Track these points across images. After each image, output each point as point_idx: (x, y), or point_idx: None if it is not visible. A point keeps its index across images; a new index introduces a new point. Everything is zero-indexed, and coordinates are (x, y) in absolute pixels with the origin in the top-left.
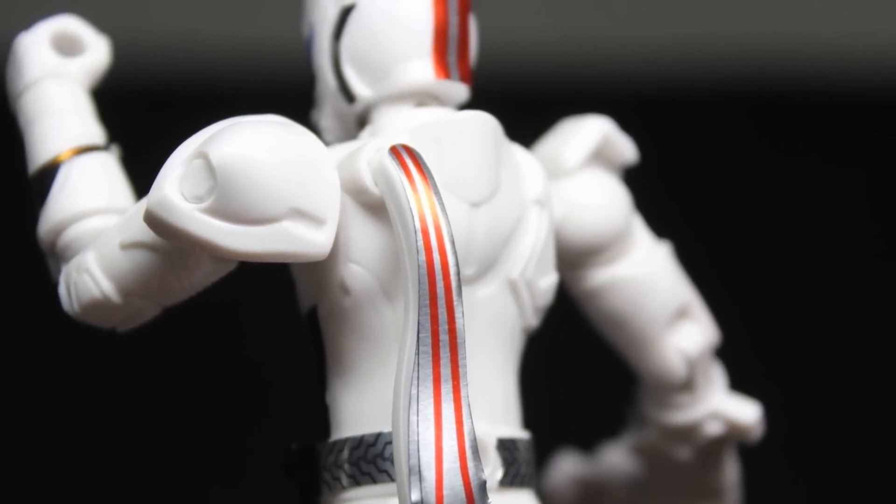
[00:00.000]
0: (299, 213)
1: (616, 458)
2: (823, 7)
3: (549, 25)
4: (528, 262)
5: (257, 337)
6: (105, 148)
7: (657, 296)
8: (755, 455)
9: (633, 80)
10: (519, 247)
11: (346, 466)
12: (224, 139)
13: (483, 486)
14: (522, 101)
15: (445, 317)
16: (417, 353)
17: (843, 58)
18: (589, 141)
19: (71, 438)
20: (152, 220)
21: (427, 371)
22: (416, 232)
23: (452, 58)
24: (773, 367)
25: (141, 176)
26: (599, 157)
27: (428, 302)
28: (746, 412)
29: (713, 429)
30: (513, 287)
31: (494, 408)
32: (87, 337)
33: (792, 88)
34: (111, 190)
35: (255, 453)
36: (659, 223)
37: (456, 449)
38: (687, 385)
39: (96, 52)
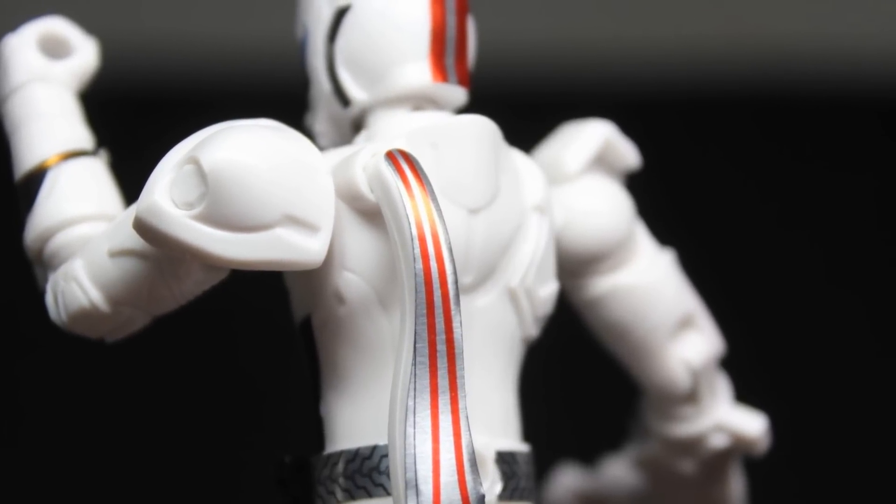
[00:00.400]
0: (293, 220)
1: (618, 471)
2: (830, 9)
3: (549, 27)
4: (528, 269)
5: (250, 347)
6: (93, 153)
7: (660, 305)
8: (761, 468)
9: (636, 84)
10: (518, 254)
11: (341, 480)
12: (216, 144)
13: (481, 500)
14: (522, 105)
15: (443, 326)
16: (414, 364)
17: (850, 60)
18: (590, 146)
19: (59, 451)
20: (142, 226)
21: (424, 382)
22: (412, 239)
23: (450, 60)
24: (779, 378)
25: (130, 182)
26: (601, 162)
27: (425, 311)
28: (752, 424)
29: (718, 441)
30: (512, 296)
31: (493, 420)
32: (75, 347)
33: (798, 92)
34: (100, 196)
35: (248, 467)
36: (662, 230)
37: (454, 462)
38: (691, 396)
39: (84, 54)
